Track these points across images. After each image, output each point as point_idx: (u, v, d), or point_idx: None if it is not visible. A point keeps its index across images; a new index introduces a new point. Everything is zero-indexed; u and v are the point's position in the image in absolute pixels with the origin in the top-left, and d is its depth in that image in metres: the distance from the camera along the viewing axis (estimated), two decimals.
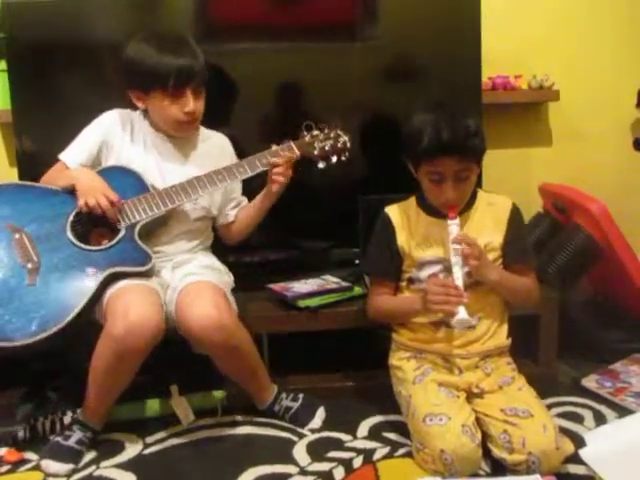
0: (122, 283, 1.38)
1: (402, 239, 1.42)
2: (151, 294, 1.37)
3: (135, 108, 1.53)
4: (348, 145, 1.53)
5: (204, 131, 1.59)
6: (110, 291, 1.37)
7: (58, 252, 1.40)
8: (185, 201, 1.46)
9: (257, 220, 1.58)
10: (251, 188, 1.60)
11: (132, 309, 1.30)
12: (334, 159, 1.53)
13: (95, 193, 1.41)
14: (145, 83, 1.45)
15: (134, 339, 1.29)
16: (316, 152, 1.51)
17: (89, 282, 1.37)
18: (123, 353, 1.30)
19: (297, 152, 1.49)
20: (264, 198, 1.54)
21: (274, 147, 1.49)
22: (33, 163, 1.71)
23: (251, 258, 1.80)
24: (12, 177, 1.79)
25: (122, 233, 1.43)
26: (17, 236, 1.41)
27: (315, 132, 1.52)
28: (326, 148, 1.52)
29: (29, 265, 1.38)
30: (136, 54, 1.45)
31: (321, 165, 1.52)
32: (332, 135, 1.53)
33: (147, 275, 1.43)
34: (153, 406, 1.53)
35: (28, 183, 1.55)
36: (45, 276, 1.37)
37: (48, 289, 1.36)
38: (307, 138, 1.52)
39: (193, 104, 1.45)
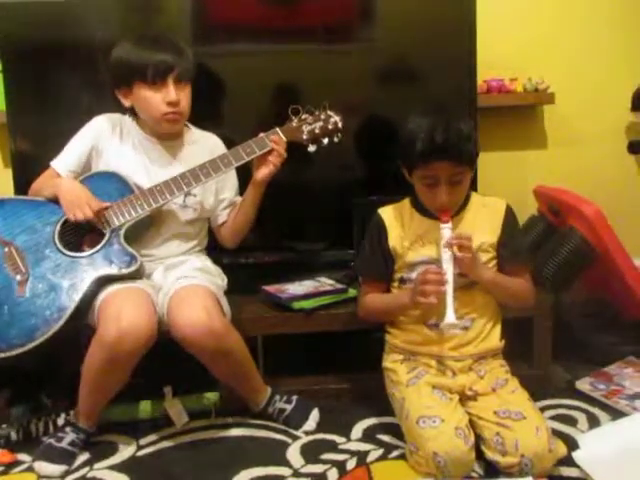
0: (113, 287, 1.37)
1: (394, 240, 1.42)
2: (143, 298, 1.36)
3: (125, 111, 1.54)
4: (340, 125, 1.50)
5: (195, 132, 1.59)
6: (102, 295, 1.37)
7: (46, 261, 1.41)
8: (170, 199, 1.45)
9: (248, 217, 1.54)
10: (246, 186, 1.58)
11: (124, 314, 1.30)
12: (325, 141, 1.50)
13: (79, 204, 1.41)
14: (127, 78, 1.45)
15: (126, 345, 1.29)
16: (304, 136, 1.48)
17: (76, 289, 1.38)
18: (115, 358, 1.30)
19: (283, 138, 1.47)
20: (251, 189, 1.51)
21: (261, 135, 1.48)
22: (27, 164, 1.70)
23: (246, 260, 1.80)
24: (6, 179, 1.78)
25: (107, 237, 1.43)
26: (6, 250, 1.42)
27: (303, 116, 1.49)
28: (316, 131, 1.48)
29: (18, 277, 1.39)
30: (119, 53, 1.46)
31: (311, 149, 1.49)
32: (322, 117, 1.49)
33: (136, 277, 1.43)
34: (147, 408, 1.53)
35: (19, 197, 1.57)
36: (34, 286, 1.38)
37: (37, 299, 1.37)
38: (294, 123, 1.49)
39: (175, 94, 1.44)
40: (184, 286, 1.40)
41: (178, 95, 1.45)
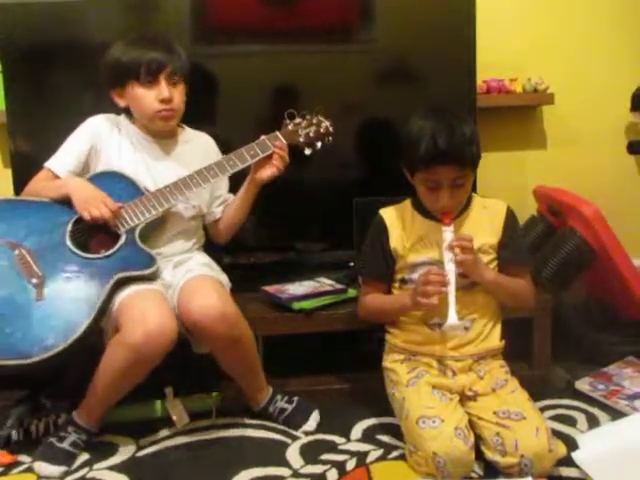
0: (132, 289, 1.37)
1: (395, 241, 1.42)
2: (163, 300, 1.37)
3: (120, 112, 1.54)
4: (331, 129, 1.54)
5: (189, 131, 1.60)
6: (120, 298, 1.36)
7: (61, 264, 1.39)
8: (180, 199, 1.47)
9: (243, 213, 1.57)
10: (238, 185, 1.58)
11: (150, 317, 1.30)
12: (319, 145, 1.54)
13: (95, 203, 1.40)
14: (121, 77, 1.46)
15: (152, 347, 1.29)
16: (301, 139, 1.52)
17: (97, 290, 1.36)
18: (139, 360, 1.30)
19: (284, 141, 1.49)
20: (249, 188, 1.53)
21: (262, 137, 1.50)
22: (27, 165, 1.69)
23: (246, 260, 1.80)
24: (6, 179, 1.78)
25: (123, 238, 1.43)
26: (17, 252, 1.39)
27: (297, 120, 1.53)
28: (310, 134, 1.52)
29: (34, 280, 1.36)
30: (112, 54, 1.48)
31: (307, 152, 1.53)
32: (314, 121, 1.53)
33: (152, 278, 1.43)
34: (147, 408, 1.53)
35: (19, 198, 1.55)
36: (52, 289, 1.36)
37: (57, 302, 1.35)
38: (290, 126, 1.52)
39: (167, 91, 1.45)
40: (194, 276, 1.42)
41: (171, 92, 1.46)
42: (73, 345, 1.31)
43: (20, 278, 1.37)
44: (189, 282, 1.40)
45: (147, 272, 1.41)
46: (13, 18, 1.71)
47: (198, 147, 1.57)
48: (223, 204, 1.61)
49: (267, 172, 1.48)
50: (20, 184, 1.67)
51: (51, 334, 1.31)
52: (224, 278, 1.53)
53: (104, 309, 1.37)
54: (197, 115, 1.60)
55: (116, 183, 1.47)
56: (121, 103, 1.51)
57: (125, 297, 1.36)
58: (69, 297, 1.36)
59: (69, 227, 1.43)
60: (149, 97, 1.45)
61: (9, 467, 1.37)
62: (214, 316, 1.33)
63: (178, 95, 1.48)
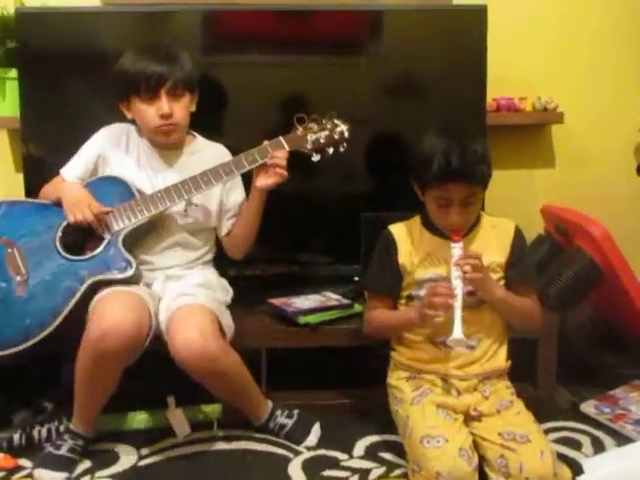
0: (109, 290, 1.39)
1: (404, 257, 1.42)
2: (134, 300, 1.37)
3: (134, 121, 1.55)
4: (346, 135, 1.46)
5: (200, 142, 1.59)
6: (95, 298, 1.38)
7: (46, 263, 1.43)
8: (169, 205, 1.46)
9: (250, 225, 1.52)
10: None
11: (108, 313, 1.32)
12: (330, 151, 1.46)
13: (80, 207, 1.43)
14: (124, 91, 1.47)
15: (108, 342, 1.29)
16: (309, 145, 1.45)
17: (73, 292, 1.40)
18: (99, 357, 1.31)
19: (286, 147, 1.45)
20: (252, 196, 1.50)
21: (265, 143, 1.47)
22: (39, 170, 1.71)
23: (252, 272, 1.80)
24: (17, 183, 1.80)
25: (106, 241, 1.45)
26: (9, 251, 1.45)
27: (310, 125, 1.47)
28: (321, 140, 1.45)
29: (18, 278, 1.42)
30: (118, 67, 1.48)
31: (315, 158, 1.46)
32: (328, 126, 1.46)
33: (132, 282, 1.43)
34: (149, 417, 1.53)
35: (23, 199, 1.62)
36: (32, 287, 1.41)
37: (34, 300, 1.40)
38: (299, 131, 1.47)
39: (168, 106, 1.44)
40: (181, 306, 1.39)
41: (171, 107, 1.45)
42: (41, 342, 1.36)
43: (7, 275, 1.43)
44: (177, 312, 1.38)
45: (122, 276, 1.41)
46: (31, 26, 1.73)
47: (207, 158, 1.53)
48: (234, 218, 1.59)
49: (269, 180, 1.45)
50: (31, 188, 1.69)
51: (21, 330, 1.37)
52: (222, 297, 1.50)
53: (82, 310, 1.38)
54: (207, 125, 1.61)
55: (111, 187, 1.49)
56: (128, 115, 1.51)
57: (99, 298, 1.37)
58: (45, 296, 1.40)
59: (60, 229, 1.47)
60: (150, 112, 1.45)
61: (11, 472, 1.37)
62: (195, 354, 1.32)
63: (180, 109, 1.47)
